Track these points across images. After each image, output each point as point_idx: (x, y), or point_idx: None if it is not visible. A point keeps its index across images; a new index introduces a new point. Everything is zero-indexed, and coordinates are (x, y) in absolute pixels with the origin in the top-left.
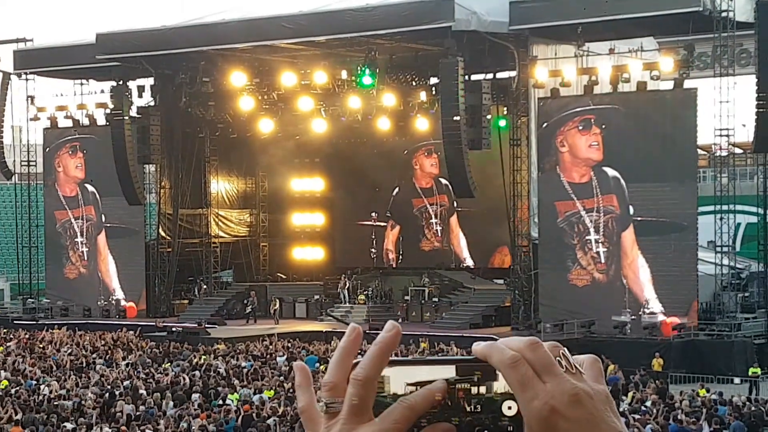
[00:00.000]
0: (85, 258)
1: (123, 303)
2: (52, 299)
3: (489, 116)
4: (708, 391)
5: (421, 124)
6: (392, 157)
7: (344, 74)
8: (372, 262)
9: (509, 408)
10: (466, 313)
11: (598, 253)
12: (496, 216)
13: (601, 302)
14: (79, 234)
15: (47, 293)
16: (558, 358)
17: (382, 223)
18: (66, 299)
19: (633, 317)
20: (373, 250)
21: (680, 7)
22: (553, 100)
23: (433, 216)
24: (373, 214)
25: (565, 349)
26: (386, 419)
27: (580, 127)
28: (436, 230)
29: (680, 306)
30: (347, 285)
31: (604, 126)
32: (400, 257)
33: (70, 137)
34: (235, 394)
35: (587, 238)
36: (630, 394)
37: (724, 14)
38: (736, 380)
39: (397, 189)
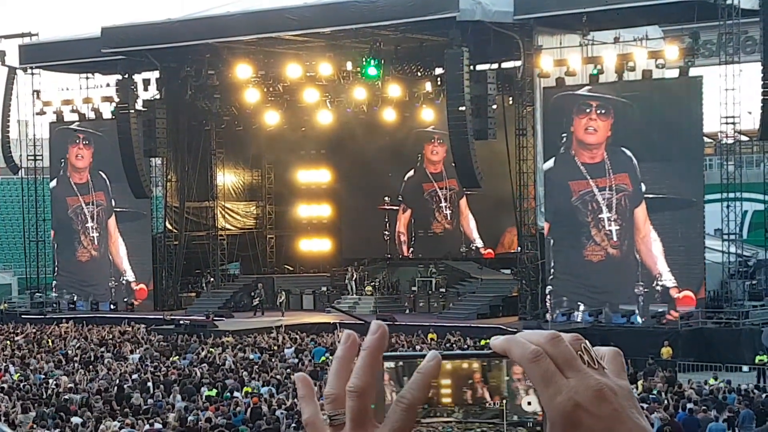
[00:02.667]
0: (96, 242)
1: (133, 285)
2: (63, 283)
3: (495, 106)
4: (716, 379)
5: (427, 114)
6: (398, 148)
7: (349, 65)
8: (380, 251)
9: (529, 404)
10: (474, 304)
11: (610, 231)
12: (506, 202)
13: (615, 277)
14: (89, 219)
15: (59, 276)
16: (579, 353)
17: (395, 207)
18: (79, 282)
19: (646, 290)
20: (386, 232)
21: None
22: (559, 90)
23: (442, 200)
24: (386, 198)
25: (587, 342)
26: (388, 424)
27: (587, 110)
28: (446, 213)
29: (692, 280)
30: (354, 276)
31: (608, 112)
32: (413, 239)
33: (83, 129)
34: (247, 387)
35: (600, 216)
36: (639, 383)
37: (729, 2)
38: (745, 368)
39: (412, 171)
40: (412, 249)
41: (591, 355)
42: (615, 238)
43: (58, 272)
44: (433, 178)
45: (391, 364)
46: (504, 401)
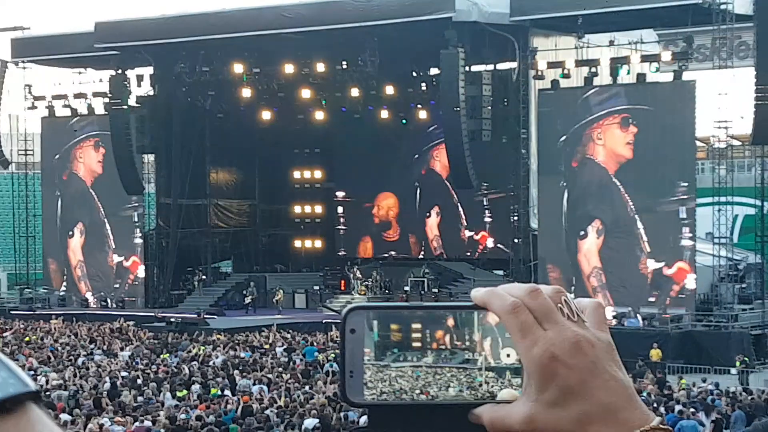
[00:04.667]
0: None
1: (125, 263)
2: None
3: (489, 107)
4: (705, 381)
5: (422, 114)
6: (393, 148)
7: (344, 64)
8: (375, 251)
9: (508, 355)
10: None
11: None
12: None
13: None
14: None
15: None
16: (559, 305)
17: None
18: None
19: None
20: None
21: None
22: (554, 92)
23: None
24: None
25: (568, 294)
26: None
27: (621, 124)
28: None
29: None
30: (359, 275)
31: (636, 123)
32: (443, 244)
33: (93, 132)
34: (214, 389)
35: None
36: None
37: (723, 6)
38: (733, 371)
39: (424, 170)
40: (443, 250)
41: (571, 308)
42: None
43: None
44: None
45: (372, 314)
46: (476, 347)
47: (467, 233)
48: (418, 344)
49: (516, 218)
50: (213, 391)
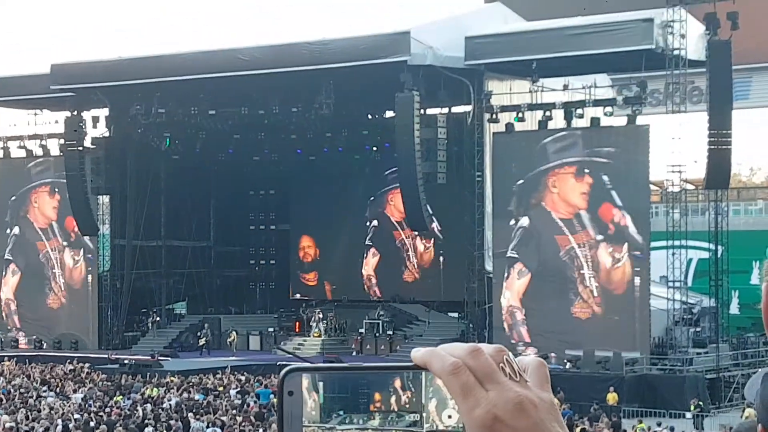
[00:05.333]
0: (64, 289)
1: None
2: (29, 328)
3: (444, 150)
4: (660, 425)
5: (377, 157)
6: (349, 191)
7: (300, 107)
8: (330, 293)
9: (449, 417)
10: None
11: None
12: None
13: (603, 334)
14: (57, 265)
15: (23, 321)
16: (501, 365)
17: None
18: (45, 328)
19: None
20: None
21: (633, 45)
22: (508, 135)
23: (411, 248)
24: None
25: (509, 353)
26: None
27: (575, 174)
28: (414, 262)
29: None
30: (320, 318)
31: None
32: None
33: (49, 179)
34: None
35: (582, 272)
36: (578, 430)
37: (676, 52)
38: (688, 415)
39: (376, 221)
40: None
41: (513, 367)
42: (596, 295)
43: (19, 316)
44: (399, 226)
45: (308, 376)
46: (423, 409)
47: (412, 275)
48: (365, 406)
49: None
50: None
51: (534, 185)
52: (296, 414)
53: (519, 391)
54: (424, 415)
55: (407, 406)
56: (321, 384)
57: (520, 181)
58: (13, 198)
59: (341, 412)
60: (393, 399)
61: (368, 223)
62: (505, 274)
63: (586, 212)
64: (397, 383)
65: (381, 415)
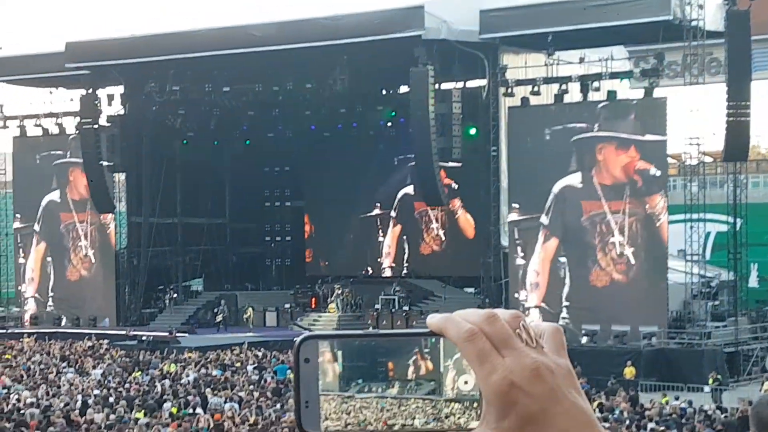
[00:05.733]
0: (90, 260)
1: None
2: (53, 303)
3: (459, 125)
4: (677, 399)
5: (391, 132)
6: (364, 165)
7: (314, 83)
8: (344, 269)
9: (465, 383)
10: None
11: (621, 254)
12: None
13: (622, 304)
14: (82, 237)
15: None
16: (518, 330)
17: (384, 212)
18: (65, 300)
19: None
20: (381, 239)
21: (650, 16)
22: (524, 109)
23: (433, 220)
24: (377, 203)
25: (526, 319)
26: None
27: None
28: (438, 234)
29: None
30: (341, 294)
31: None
32: (405, 259)
33: (76, 159)
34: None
35: (610, 239)
36: (595, 404)
37: (694, 23)
38: (706, 389)
39: (405, 190)
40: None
41: (529, 333)
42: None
43: (41, 286)
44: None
45: (326, 344)
46: (441, 377)
47: (429, 248)
48: (384, 375)
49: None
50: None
51: (570, 152)
52: (312, 381)
53: (535, 357)
54: (442, 383)
55: (424, 374)
56: (340, 352)
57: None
58: (56, 162)
59: (360, 381)
60: (410, 368)
61: (392, 198)
62: (533, 242)
63: (625, 182)
64: (416, 352)
65: (399, 383)
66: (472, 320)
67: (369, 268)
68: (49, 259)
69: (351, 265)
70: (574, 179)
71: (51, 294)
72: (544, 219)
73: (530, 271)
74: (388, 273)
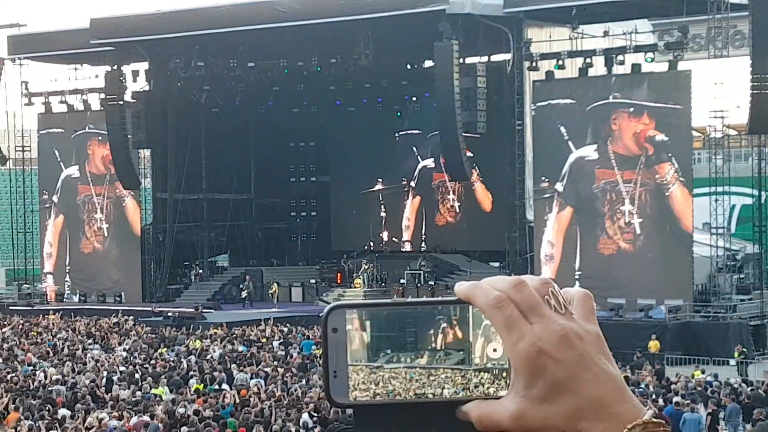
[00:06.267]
0: (104, 233)
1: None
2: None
3: (484, 99)
4: (703, 372)
5: (416, 107)
6: (388, 140)
7: (339, 58)
8: (369, 243)
9: (494, 350)
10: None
11: (629, 223)
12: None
13: (626, 272)
14: (98, 210)
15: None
16: (546, 297)
17: (388, 187)
18: (76, 273)
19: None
20: (383, 214)
21: None
22: (548, 83)
23: (450, 191)
24: (379, 179)
25: (555, 285)
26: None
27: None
28: (453, 206)
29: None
30: (368, 269)
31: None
32: (423, 231)
33: (96, 130)
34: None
35: (620, 207)
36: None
37: None
38: (732, 362)
39: (424, 163)
40: (411, 240)
41: (558, 300)
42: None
43: (58, 260)
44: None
45: (354, 313)
46: (470, 347)
47: (444, 220)
48: (412, 345)
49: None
50: (197, 385)
51: (590, 120)
52: (341, 350)
53: (564, 324)
54: (471, 352)
55: (453, 344)
56: (368, 323)
57: (583, 112)
58: (74, 135)
59: (389, 351)
60: (439, 337)
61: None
62: (548, 211)
63: (650, 159)
64: (444, 322)
65: (428, 353)
66: (500, 287)
67: (389, 241)
68: (66, 232)
69: (369, 239)
70: (589, 150)
71: (67, 268)
72: (559, 186)
73: (545, 242)
74: (407, 247)
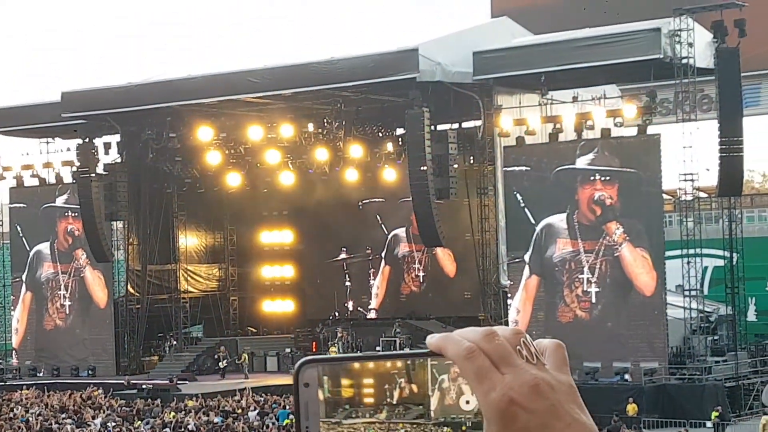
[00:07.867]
0: (65, 311)
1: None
2: (24, 348)
3: (456, 166)
4: None
5: (389, 174)
6: (359, 208)
7: (311, 127)
8: (343, 312)
9: (467, 402)
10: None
11: (586, 292)
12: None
13: (584, 337)
14: (62, 287)
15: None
16: (518, 347)
17: (351, 257)
18: (38, 350)
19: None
20: (347, 283)
21: (641, 55)
22: (519, 149)
23: (416, 261)
24: (343, 248)
25: (527, 336)
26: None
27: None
28: (417, 275)
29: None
30: (343, 337)
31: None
32: (388, 300)
33: (71, 206)
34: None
35: (578, 276)
36: None
37: (684, 61)
38: (708, 424)
39: (395, 232)
40: (378, 309)
41: (530, 350)
42: (591, 300)
43: (25, 336)
44: (413, 239)
45: (314, 368)
46: (429, 401)
47: (408, 289)
48: (370, 400)
49: (485, 275)
50: None
51: (557, 188)
52: (313, 405)
53: (535, 374)
54: (431, 407)
55: (412, 398)
56: (325, 378)
57: (543, 183)
58: (43, 207)
59: (346, 406)
60: (396, 392)
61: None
62: (518, 282)
63: (598, 220)
64: (402, 376)
65: (387, 408)
66: (471, 338)
67: (353, 311)
68: (34, 308)
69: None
70: (557, 218)
71: (31, 343)
72: (526, 255)
73: (512, 308)
74: (372, 315)
